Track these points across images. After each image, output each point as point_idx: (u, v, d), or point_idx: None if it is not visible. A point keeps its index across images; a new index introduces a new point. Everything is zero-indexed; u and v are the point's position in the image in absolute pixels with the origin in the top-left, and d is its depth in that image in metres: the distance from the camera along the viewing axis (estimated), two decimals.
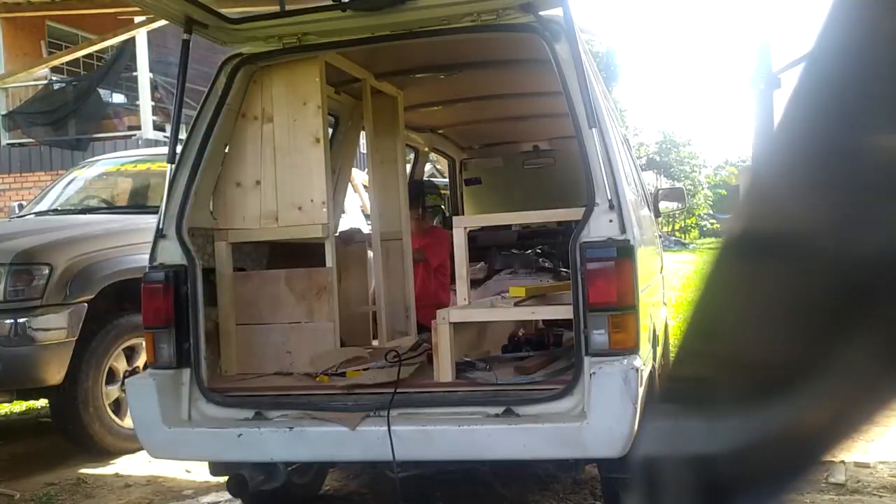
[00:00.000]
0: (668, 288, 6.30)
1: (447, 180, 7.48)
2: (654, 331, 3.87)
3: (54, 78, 15.11)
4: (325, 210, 3.76)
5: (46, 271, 4.98)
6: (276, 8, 3.54)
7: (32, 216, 6.60)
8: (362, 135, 4.83)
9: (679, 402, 0.66)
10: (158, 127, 14.09)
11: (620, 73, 34.95)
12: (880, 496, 4.01)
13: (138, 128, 14.06)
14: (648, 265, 3.73)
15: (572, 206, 3.97)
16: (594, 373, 2.93)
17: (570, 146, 5.17)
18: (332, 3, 3.45)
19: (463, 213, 6.85)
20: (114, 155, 8.65)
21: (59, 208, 6.71)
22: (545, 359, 3.73)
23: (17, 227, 5.88)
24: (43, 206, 6.79)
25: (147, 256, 3.51)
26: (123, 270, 5.29)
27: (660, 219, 6.21)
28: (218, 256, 3.69)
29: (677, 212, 7.18)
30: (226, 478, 3.43)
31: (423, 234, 5.38)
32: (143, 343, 4.01)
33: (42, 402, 6.41)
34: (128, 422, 5.14)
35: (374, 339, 4.72)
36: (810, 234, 0.48)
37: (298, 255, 4.14)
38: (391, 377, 3.43)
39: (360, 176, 7.67)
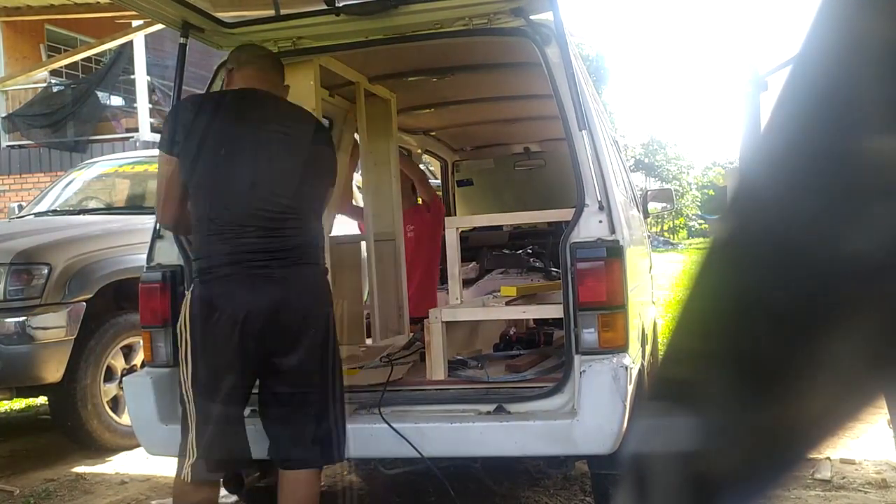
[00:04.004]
0: (656, 287, 6.33)
1: (439, 181, 7.53)
2: (643, 329, 3.90)
3: (53, 81, 15.16)
4: None
5: (45, 271, 5.03)
6: (272, 12, 3.57)
7: (32, 217, 6.65)
8: (356, 137, 4.87)
9: (668, 400, 0.66)
10: (156, 129, 14.11)
11: (609, 76, 35.03)
12: (865, 492, 4.05)
13: (136, 130, 14.11)
14: (637, 265, 3.77)
15: (562, 206, 4.02)
16: (584, 371, 2.96)
17: (561, 148, 5.21)
18: (326, 7, 3.48)
19: (455, 214, 6.91)
20: (112, 156, 8.69)
21: (58, 209, 6.75)
22: (536, 357, 3.78)
23: (16, 228, 5.92)
24: (42, 207, 6.84)
25: (144, 256, 3.56)
26: (121, 270, 5.35)
27: (648, 219, 6.26)
28: None
29: (666, 212, 7.20)
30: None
31: (418, 210, 5.47)
32: (141, 342, 4.06)
33: (41, 400, 6.44)
34: (126, 419, 5.18)
35: (367, 337, 4.79)
36: (798, 235, 0.48)
37: None
38: (385, 376, 3.49)
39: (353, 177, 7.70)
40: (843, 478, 4.23)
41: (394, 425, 3.09)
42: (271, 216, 2.92)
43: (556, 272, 4.46)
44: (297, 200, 2.97)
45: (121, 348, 5.50)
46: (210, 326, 2.87)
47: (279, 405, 2.99)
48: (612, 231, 3.07)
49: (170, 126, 3.04)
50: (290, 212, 2.95)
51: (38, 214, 6.68)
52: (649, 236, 6.28)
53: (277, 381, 2.97)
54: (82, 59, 14.31)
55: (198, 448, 2.88)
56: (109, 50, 13.57)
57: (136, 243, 5.21)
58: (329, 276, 3.10)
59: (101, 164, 7.68)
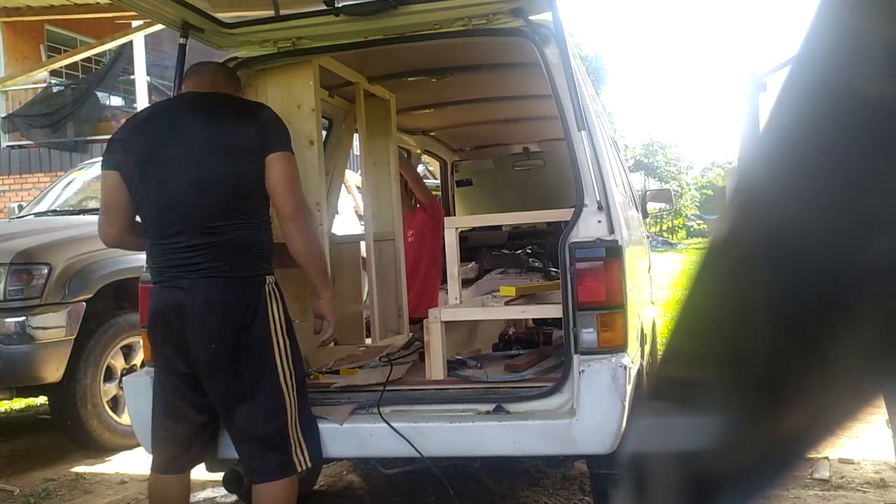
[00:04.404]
0: (655, 287, 6.34)
1: (439, 182, 7.54)
2: (642, 329, 3.90)
3: (53, 81, 15.16)
4: (319, 211, 3.81)
5: (45, 271, 5.04)
6: (271, 13, 3.57)
7: (32, 217, 6.66)
8: (355, 137, 4.88)
9: (666, 400, 0.66)
10: None
11: (608, 76, 35.11)
12: (864, 491, 4.06)
13: None
14: (636, 265, 3.77)
15: (561, 206, 4.02)
16: (583, 370, 2.96)
17: (560, 148, 5.23)
18: (325, 7, 3.48)
19: (454, 214, 6.91)
20: None
21: (58, 209, 6.76)
22: (535, 357, 3.78)
23: (16, 228, 5.93)
24: (42, 207, 6.85)
25: (144, 256, 3.55)
26: (121, 270, 5.35)
27: (647, 219, 6.27)
28: None
29: (665, 213, 7.20)
30: (221, 474, 3.46)
31: (415, 213, 5.50)
32: (141, 342, 4.06)
33: (41, 400, 6.45)
34: (125, 419, 5.20)
35: (367, 337, 4.79)
36: (796, 235, 0.48)
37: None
38: (384, 376, 3.49)
39: (353, 177, 7.72)
40: (842, 477, 4.24)
41: (393, 425, 3.09)
42: (172, 235, 2.98)
43: (556, 272, 4.47)
44: (211, 213, 2.96)
45: (121, 348, 5.51)
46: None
47: (223, 414, 3.07)
48: (611, 231, 3.07)
49: (108, 144, 3.17)
50: (197, 227, 2.96)
51: (38, 214, 6.69)
52: (648, 236, 6.29)
53: (211, 389, 3.03)
54: (82, 60, 14.32)
55: (152, 440, 3.15)
56: (109, 50, 13.57)
57: None
58: (273, 285, 3.12)
59: None
